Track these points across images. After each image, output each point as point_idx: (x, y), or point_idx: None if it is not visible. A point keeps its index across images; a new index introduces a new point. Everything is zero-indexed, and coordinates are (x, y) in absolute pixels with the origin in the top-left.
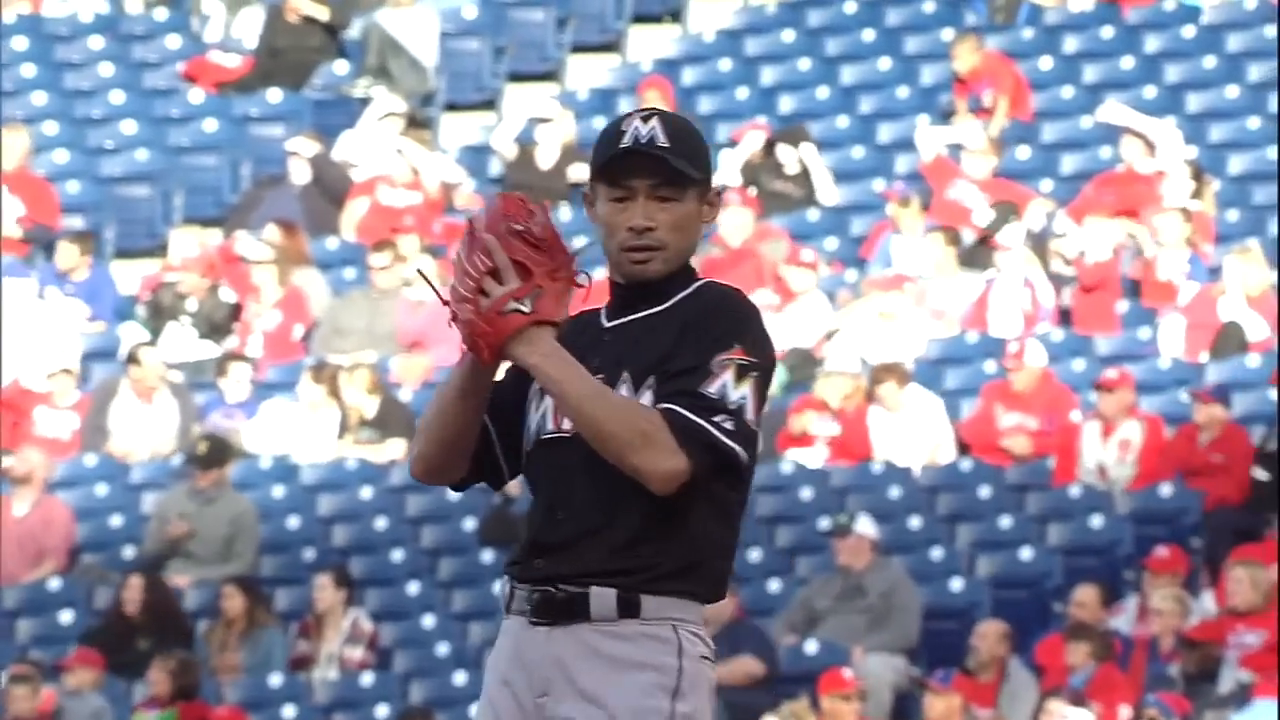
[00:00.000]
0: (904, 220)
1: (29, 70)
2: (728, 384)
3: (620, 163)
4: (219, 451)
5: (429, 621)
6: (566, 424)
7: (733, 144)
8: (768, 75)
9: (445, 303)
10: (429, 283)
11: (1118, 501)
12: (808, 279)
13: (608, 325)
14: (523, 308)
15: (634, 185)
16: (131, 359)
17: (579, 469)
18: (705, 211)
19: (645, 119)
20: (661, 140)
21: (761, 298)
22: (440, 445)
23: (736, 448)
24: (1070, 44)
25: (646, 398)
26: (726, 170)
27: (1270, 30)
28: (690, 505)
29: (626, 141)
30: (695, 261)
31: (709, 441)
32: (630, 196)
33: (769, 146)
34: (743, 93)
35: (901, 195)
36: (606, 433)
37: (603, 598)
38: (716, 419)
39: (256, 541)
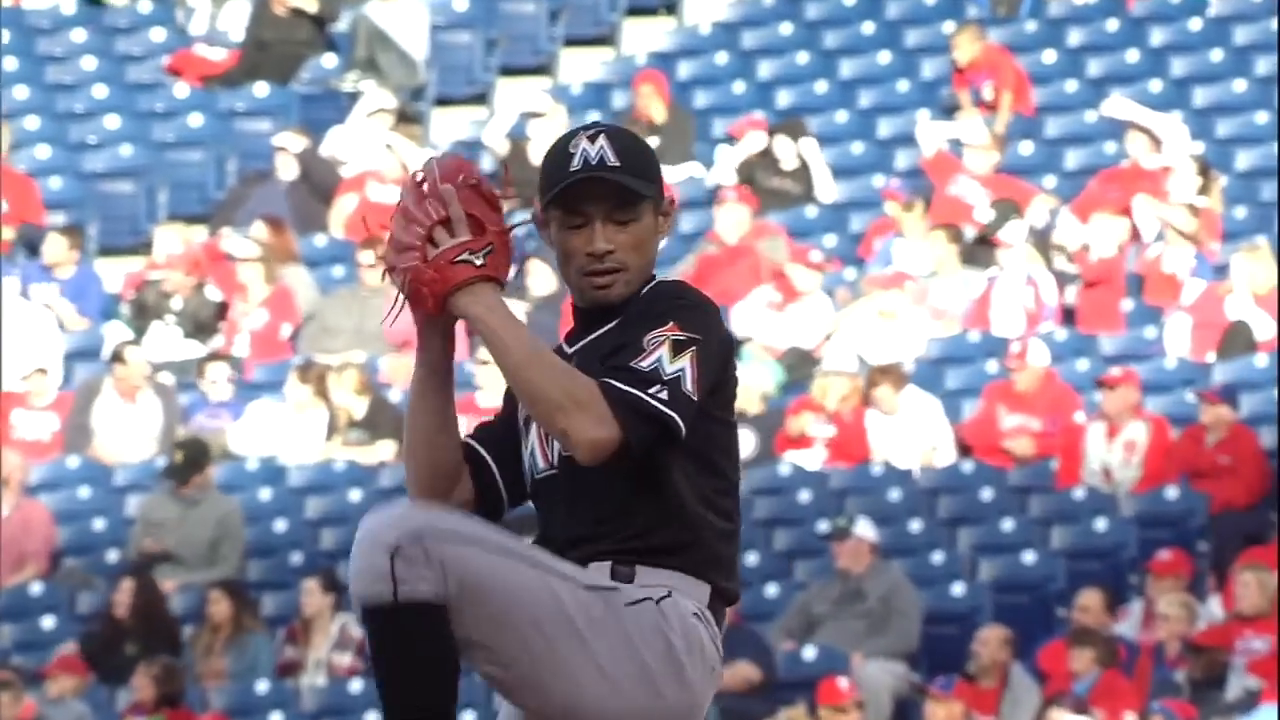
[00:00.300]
0: (907, 224)
1: (10, 64)
2: (662, 358)
3: (574, 188)
4: (196, 458)
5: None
6: (555, 458)
7: (730, 139)
8: (765, 69)
9: (368, 237)
10: (365, 225)
11: (1122, 504)
12: (813, 279)
13: (570, 350)
14: (475, 260)
15: (589, 210)
16: (116, 358)
17: (565, 499)
18: (661, 224)
19: (591, 138)
20: (612, 160)
21: (761, 295)
22: (424, 449)
23: (672, 414)
24: (1074, 37)
25: None
26: (725, 168)
27: (1277, 23)
28: (679, 497)
29: (576, 165)
30: (690, 260)
31: (645, 411)
32: (586, 222)
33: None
34: (739, 87)
35: (906, 199)
36: (540, 394)
37: (598, 569)
38: (651, 389)
39: (242, 545)
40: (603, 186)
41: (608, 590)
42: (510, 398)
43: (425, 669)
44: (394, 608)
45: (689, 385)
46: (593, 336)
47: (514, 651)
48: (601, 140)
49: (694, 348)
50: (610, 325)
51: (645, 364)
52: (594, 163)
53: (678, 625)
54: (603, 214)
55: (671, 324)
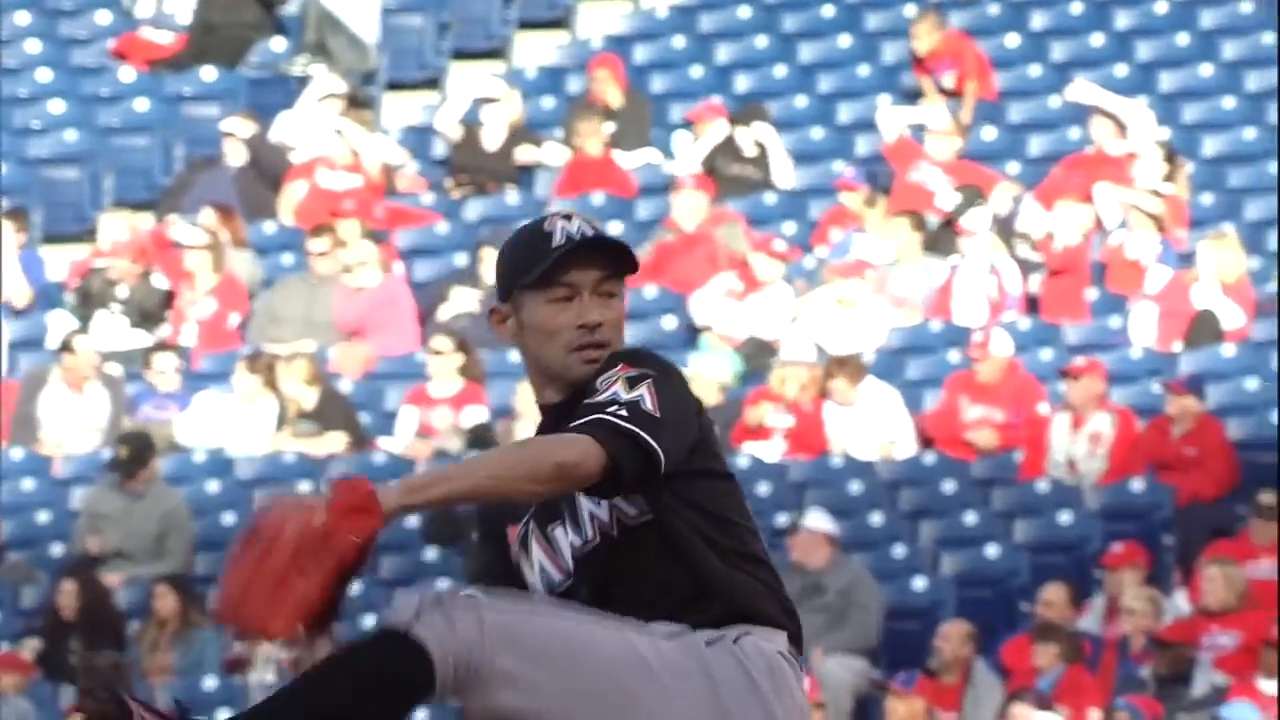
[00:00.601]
0: (870, 219)
1: None
2: (617, 391)
3: (567, 258)
4: (140, 451)
5: (370, 622)
6: (569, 564)
7: (687, 124)
8: (723, 53)
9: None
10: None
11: (1087, 497)
12: (776, 269)
13: None
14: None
15: (578, 281)
16: (65, 347)
17: (596, 600)
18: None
19: (567, 218)
20: (591, 234)
21: (721, 284)
22: None
23: (638, 429)
24: (1038, 20)
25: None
26: (689, 159)
27: (1245, 6)
28: (709, 563)
29: (560, 240)
30: (647, 247)
31: (611, 427)
32: (574, 294)
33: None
34: (697, 71)
35: (868, 194)
36: (522, 469)
37: None
38: (610, 409)
39: (190, 539)
40: (600, 254)
41: (683, 633)
42: (486, 538)
43: (355, 696)
44: (393, 634)
45: (649, 406)
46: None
47: (593, 710)
48: (577, 220)
49: (648, 380)
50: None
51: (600, 398)
52: (576, 237)
53: (761, 663)
54: (592, 285)
55: (621, 365)
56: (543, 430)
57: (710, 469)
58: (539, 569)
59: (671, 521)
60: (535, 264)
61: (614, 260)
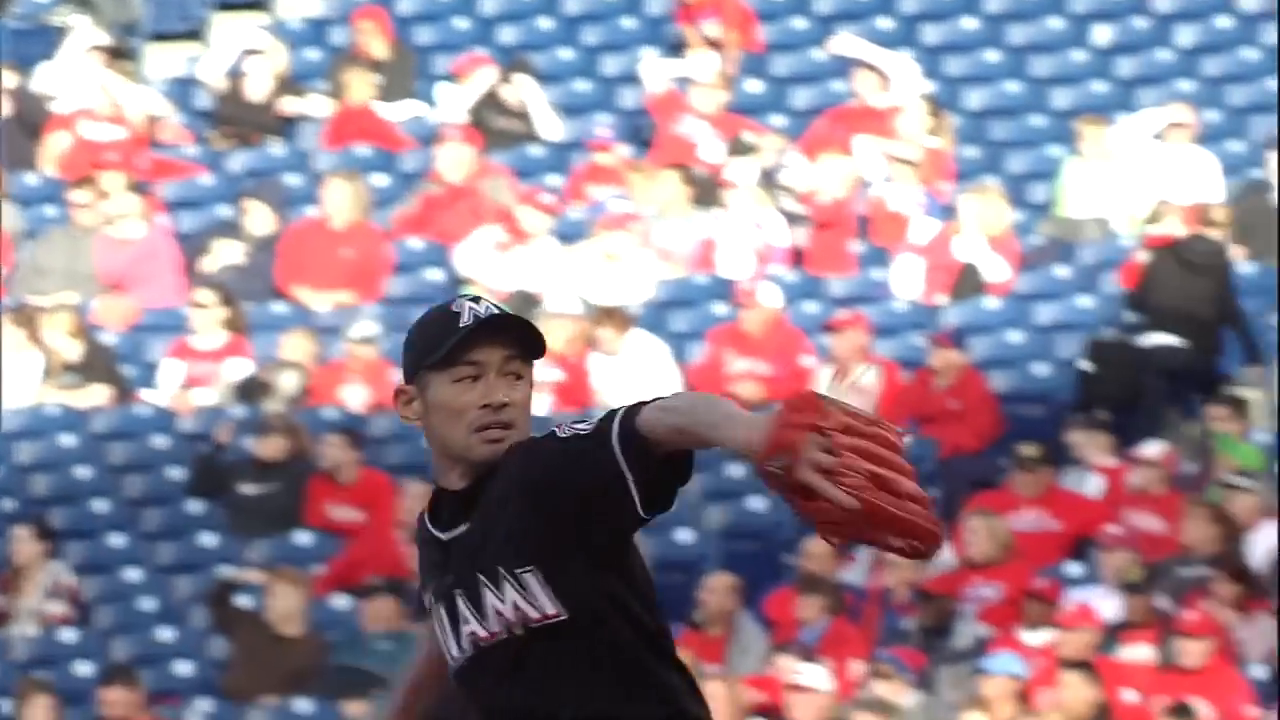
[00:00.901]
0: (638, 185)
1: None
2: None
3: (473, 336)
4: None
5: (133, 575)
6: (455, 645)
7: (452, 77)
8: (488, 5)
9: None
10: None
11: None
12: (542, 222)
13: (446, 537)
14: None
15: (484, 360)
16: None
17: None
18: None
19: (474, 300)
20: (498, 314)
21: (486, 236)
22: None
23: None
24: None
25: (507, 590)
26: (453, 108)
27: None
28: (635, 671)
29: (468, 320)
30: (412, 200)
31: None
32: (480, 374)
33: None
34: (462, 23)
35: (632, 160)
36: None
37: None
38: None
39: None
40: (506, 334)
41: None
42: (422, 586)
43: None
44: None
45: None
46: (471, 523)
47: None
48: (484, 302)
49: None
50: (487, 502)
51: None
52: (484, 316)
53: None
54: (498, 365)
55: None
56: (441, 513)
57: (631, 562)
58: (443, 639)
59: (609, 620)
60: (441, 343)
61: (521, 341)
